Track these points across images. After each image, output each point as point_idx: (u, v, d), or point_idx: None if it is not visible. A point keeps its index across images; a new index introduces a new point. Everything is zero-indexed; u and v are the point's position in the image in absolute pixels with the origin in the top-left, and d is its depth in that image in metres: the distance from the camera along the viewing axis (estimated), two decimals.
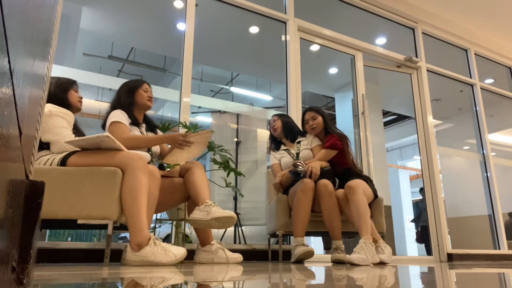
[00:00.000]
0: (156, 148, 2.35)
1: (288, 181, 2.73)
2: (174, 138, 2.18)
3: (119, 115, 2.19)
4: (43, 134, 1.93)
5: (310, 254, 2.43)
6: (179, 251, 1.80)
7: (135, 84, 2.36)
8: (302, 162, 2.60)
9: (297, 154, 2.86)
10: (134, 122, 2.27)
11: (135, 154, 1.91)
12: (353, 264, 2.17)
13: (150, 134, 2.32)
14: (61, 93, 2.11)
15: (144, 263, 1.74)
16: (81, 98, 2.23)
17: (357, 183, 2.52)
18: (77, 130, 2.13)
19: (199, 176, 2.20)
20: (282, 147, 2.98)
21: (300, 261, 2.46)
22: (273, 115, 3.07)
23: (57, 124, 1.95)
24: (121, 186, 1.84)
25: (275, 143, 3.04)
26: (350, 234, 2.83)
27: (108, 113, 2.25)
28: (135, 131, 2.25)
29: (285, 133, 2.96)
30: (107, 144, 1.89)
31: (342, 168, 2.78)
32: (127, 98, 2.31)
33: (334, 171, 2.76)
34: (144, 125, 2.37)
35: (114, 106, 2.29)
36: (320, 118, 2.91)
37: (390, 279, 1.20)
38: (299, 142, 2.92)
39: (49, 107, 1.96)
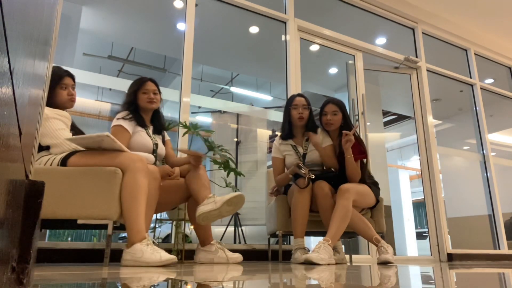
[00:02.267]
0: (161, 151, 2.35)
1: (287, 180, 2.69)
2: (164, 170, 2.18)
3: (124, 119, 2.20)
4: (42, 138, 1.92)
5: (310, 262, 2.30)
6: (168, 256, 1.76)
7: (135, 85, 2.34)
8: (304, 167, 2.47)
9: (304, 154, 2.71)
10: (141, 124, 2.27)
11: (136, 156, 1.91)
12: (312, 263, 2.14)
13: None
14: None
15: (133, 262, 1.73)
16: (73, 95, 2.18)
17: (349, 188, 2.42)
18: (75, 131, 2.12)
19: (201, 176, 2.21)
20: (290, 141, 2.76)
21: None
22: (300, 96, 2.79)
23: (55, 126, 1.94)
24: (121, 187, 1.84)
25: (286, 131, 2.77)
26: (350, 234, 2.83)
27: (118, 112, 2.27)
28: (141, 133, 2.25)
29: (306, 126, 2.75)
30: (107, 144, 1.88)
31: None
32: (131, 100, 2.30)
33: (343, 171, 2.62)
34: (151, 127, 2.37)
35: (121, 107, 2.31)
36: (340, 116, 2.68)
37: (393, 279, 1.20)
38: (307, 140, 2.74)
39: (45, 110, 1.95)
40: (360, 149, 2.57)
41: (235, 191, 2.14)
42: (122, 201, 1.82)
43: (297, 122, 2.70)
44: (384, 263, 2.39)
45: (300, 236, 2.48)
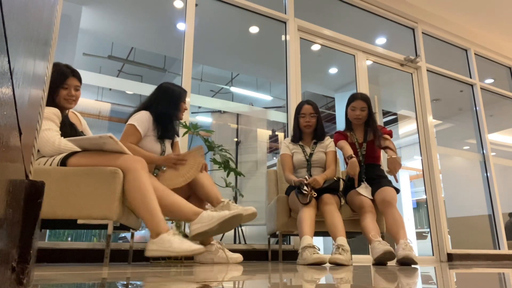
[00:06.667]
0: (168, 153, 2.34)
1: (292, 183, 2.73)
2: (168, 158, 2.17)
3: (141, 120, 2.17)
4: None
5: (322, 262, 2.18)
6: (196, 246, 1.78)
7: (180, 95, 2.32)
8: (307, 184, 2.48)
9: (311, 154, 2.81)
10: (162, 136, 2.25)
11: (136, 157, 1.91)
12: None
13: (151, 154, 2.23)
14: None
15: (161, 252, 1.74)
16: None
17: (391, 196, 2.54)
18: (69, 127, 2.04)
19: (204, 175, 2.21)
20: (298, 142, 2.90)
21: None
22: (308, 104, 2.85)
23: (42, 127, 1.89)
24: (125, 189, 1.83)
25: (296, 136, 2.88)
26: (350, 234, 2.82)
27: (136, 110, 2.25)
28: (152, 137, 2.23)
29: (314, 131, 2.87)
30: (109, 146, 1.87)
31: (373, 161, 2.81)
32: (169, 109, 2.27)
33: (367, 161, 2.79)
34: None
35: (146, 107, 2.27)
36: (367, 111, 2.84)
37: (393, 279, 1.20)
38: (315, 143, 2.86)
39: None
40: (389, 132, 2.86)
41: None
42: (131, 200, 1.82)
43: (305, 130, 2.85)
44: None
45: (308, 234, 2.32)
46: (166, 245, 1.74)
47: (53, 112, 1.93)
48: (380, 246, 2.28)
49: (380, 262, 2.31)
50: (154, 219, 1.79)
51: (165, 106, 2.27)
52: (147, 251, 1.78)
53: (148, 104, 2.30)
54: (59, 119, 1.96)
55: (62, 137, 1.91)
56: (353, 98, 2.87)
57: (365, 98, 2.84)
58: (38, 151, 1.89)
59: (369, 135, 2.87)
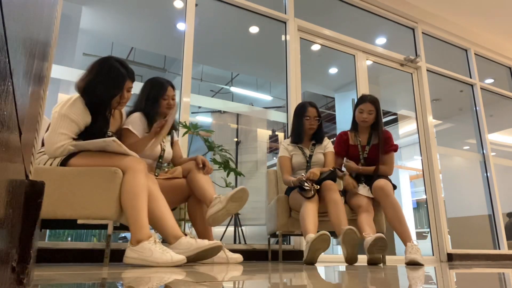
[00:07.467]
0: (168, 155, 2.34)
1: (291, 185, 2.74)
2: (153, 130, 2.09)
3: (135, 122, 2.17)
4: (44, 131, 1.90)
5: (326, 239, 2.20)
6: (178, 256, 1.72)
7: (158, 91, 2.28)
8: (307, 182, 2.49)
9: (310, 156, 2.82)
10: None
11: (137, 158, 1.91)
12: (418, 264, 2.36)
13: (142, 137, 2.20)
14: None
15: (141, 261, 1.69)
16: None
17: (384, 183, 2.58)
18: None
19: (202, 175, 2.21)
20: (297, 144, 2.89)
21: (312, 260, 2.25)
22: (312, 106, 2.85)
23: (58, 128, 1.85)
24: (121, 189, 1.82)
25: (298, 136, 2.87)
26: None
27: (129, 112, 2.24)
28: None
29: (314, 134, 2.88)
30: (113, 149, 1.87)
31: (375, 165, 2.81)
32: (151, 107, 2.25)
33: (369, 165, 2.83)
34: None
35: (136, 108, 2.27)
36: (374, 114, 2.78)
37: (393, 279, 1.20)
38: (314, 144, 2.87)
39: (60, 106, 1.87)
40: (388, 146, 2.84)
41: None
42: (122, 200, 1.81)
43: (308, 132, 2.86)
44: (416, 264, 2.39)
45: (312, 232, 2.31)
46: (147, 254, 1.67)
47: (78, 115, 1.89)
48: (371, 236, 2.35)
49: (373, 251, 2.33)
50: (137, 224, 1.73)
51: (149, 107, 2.26)
52: (126, 258, 1.72)
53: (137, 105, 2.30)
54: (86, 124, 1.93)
55: (72, 140, 1.88)
56: (361, 100, 2.81)
57: (373, 101, 2.78)
58: (43, 145, 1.89)
59: (373, 139, 2.85)
